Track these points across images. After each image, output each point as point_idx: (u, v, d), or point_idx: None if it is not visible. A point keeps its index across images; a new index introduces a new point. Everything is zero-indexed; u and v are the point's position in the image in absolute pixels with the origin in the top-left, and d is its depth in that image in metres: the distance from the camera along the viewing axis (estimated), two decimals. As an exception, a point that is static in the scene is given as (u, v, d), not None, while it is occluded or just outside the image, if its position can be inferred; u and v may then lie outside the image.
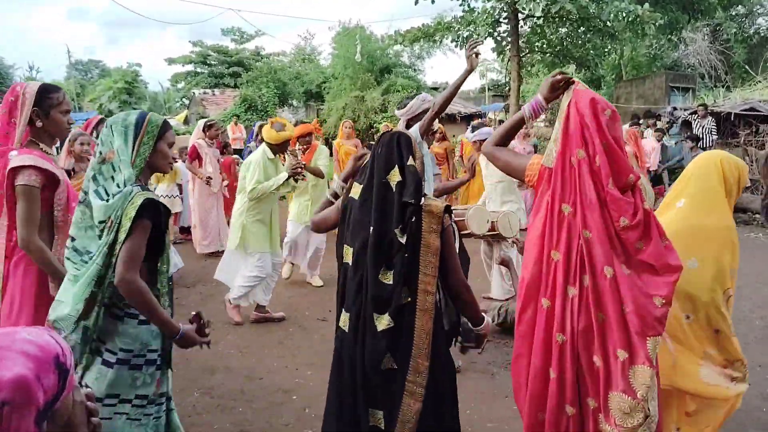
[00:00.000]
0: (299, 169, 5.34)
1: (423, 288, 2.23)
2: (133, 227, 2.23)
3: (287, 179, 5.27)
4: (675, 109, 15.24)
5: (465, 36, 14.79)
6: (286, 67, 29.73)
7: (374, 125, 19.86)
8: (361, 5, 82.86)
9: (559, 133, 2.29)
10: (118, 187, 2.31)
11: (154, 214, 2.29)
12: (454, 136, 17.54)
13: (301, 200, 6.74)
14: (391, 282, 2.21)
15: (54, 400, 1.17)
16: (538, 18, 14.57)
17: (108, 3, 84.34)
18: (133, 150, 2.37)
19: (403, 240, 2.20)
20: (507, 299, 5.33)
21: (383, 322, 2.21)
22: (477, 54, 3.82)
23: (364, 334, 2.26)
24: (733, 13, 23.04)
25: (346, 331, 2.33)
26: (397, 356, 2.21)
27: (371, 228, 2.24)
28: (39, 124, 2.78)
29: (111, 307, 2.33)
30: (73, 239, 2.37)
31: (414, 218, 2.23)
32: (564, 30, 15.75)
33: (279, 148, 5.41)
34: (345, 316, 2.35)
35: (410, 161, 2.28)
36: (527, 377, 2.35)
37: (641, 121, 14.00)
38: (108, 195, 2.31)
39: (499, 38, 15.41)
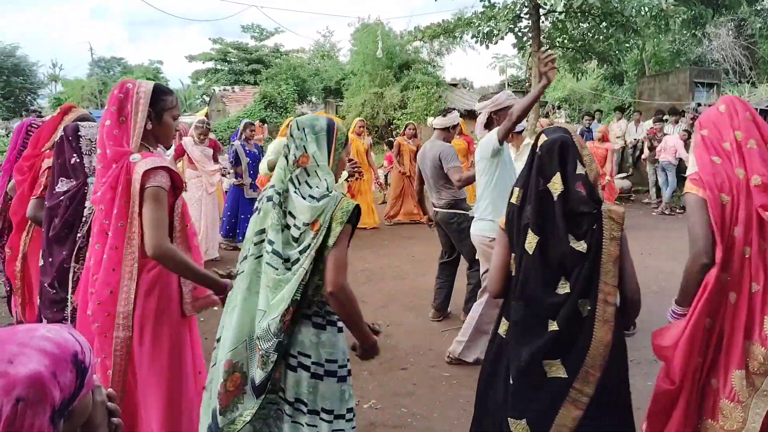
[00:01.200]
0: (358, 168, 4.97)
1: (603, 298, 2.16)
2: (341, 232, 2.19)
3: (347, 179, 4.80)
4: (699, 105, 15.01)
5: (486, 32, 14.69)
6: (306, 63, 29.83)
7: (393, 121, 19.83)
8: (380, 1, 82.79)
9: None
10: (319, 188, 2.26)
11: (356, 220, 2.28)
12: (472, 131, 17.46)
13: None
14: (567, 291, 2.16)
15: (71, 399, 1.16)
16: (560, 13, 14.41)
17: (130, 0, 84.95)
18: (329, 156, 2.34)
19: (583, 249, 2.15)
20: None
21: (551, 327, 2.18)
22: (553, 68, 3.65)
23: (522, 343, 2.23)
24: (758, 8, 22.62)
25: (504, 337, 2.31)
26: (566, 364, 2.16)
27: (538, 239, 2.19)
28: (149, 126, 2.59)
29: (313, 316, 2.27)
30: (271, 242, 2.25)
31: (595, 226, 2.17)
32: (586, 25, 15.56)
33: None
34: (505, 325, 2.32)
35: (580, 169, 2.20)
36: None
37: (665, 117, 13.81)
38: (306, 198, 2.25)
39: (519, 34, 15.27)
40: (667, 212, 11.76)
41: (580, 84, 23.76)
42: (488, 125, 4.15)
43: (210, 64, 35.24)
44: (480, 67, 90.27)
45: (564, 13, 14.41)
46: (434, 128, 5.41)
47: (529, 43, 15.23)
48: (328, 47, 33.13)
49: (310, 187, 2.26)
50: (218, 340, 2.38)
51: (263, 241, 2.29)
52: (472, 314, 4.52)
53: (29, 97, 38.93)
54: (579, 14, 14.58)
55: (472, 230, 4.44)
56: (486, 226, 4.24)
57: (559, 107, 26.60)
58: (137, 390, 2.59)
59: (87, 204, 2.92)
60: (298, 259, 2.19)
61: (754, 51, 22.44)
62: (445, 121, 5.30)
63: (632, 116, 15.09)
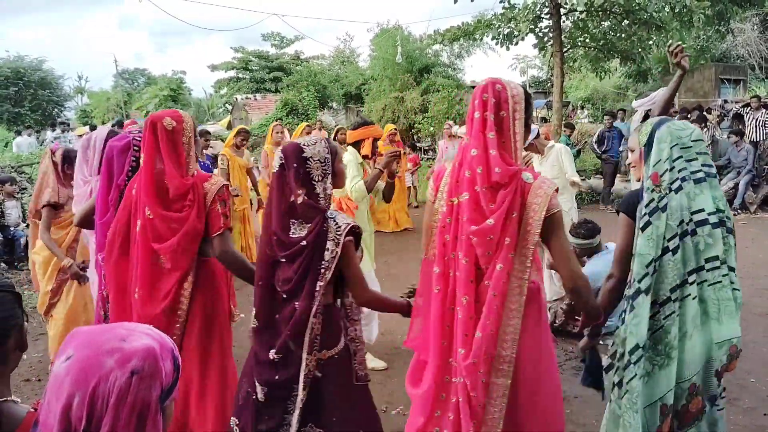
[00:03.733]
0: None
1: None
2: None
3: None
4: (726, 101, 14.76)
5: (506, 33, 14.60)
6: (326, 70, 29.95)
7: (414, 125, 19.81)
8: (399, 6, 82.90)
9: None
10: None
11: None
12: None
13: None
14: None
15: (168, 391, 1.18)
16: (581, 12, 14.28)
17: (156, 12, 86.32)
18: None
19: None
20: (555, 300, 5.23)
21: None
22: (685, 56, 3.66)
23: None
24: (785, 1, 22.23)
25: None
26: None
27: None
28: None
29: None
30: (731, 268, 2.39)
31: None
32: (607, 23, 15.39)
33: None
34: None
35: None
36: None
37: (689, 115, 13.61)
38: None
39: (540, 34, 15.17)
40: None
41: (603, 83, 23.48)
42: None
43: (232, 73, 35.55)
44: (501, 68, 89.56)
45: (585, 12, 14.27)
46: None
47: (550, 43, 15.11)
48: (348, 53, 33.24)
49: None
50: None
51: (717, 267, 2.35)
52: None
53: (56, 110, 39.66)
54: (600, 13, 14.43)
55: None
56: None
57: (582, 107, 26.32)
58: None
59: (329, 246, 2.37)
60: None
61: (781, 45, 22.01)
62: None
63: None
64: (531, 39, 15.23)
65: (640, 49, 16.17)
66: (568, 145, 10.93)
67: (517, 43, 14.85)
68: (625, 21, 14.70)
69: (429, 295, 2.37)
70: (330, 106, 27.76)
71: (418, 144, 18.46)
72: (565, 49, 15.27)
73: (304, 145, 2.45)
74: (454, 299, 2.29)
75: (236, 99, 30.97)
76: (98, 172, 3.68)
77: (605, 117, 13.73)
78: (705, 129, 12.40)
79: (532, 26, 14.61)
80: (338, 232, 2.38)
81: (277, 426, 2.40)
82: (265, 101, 28.77)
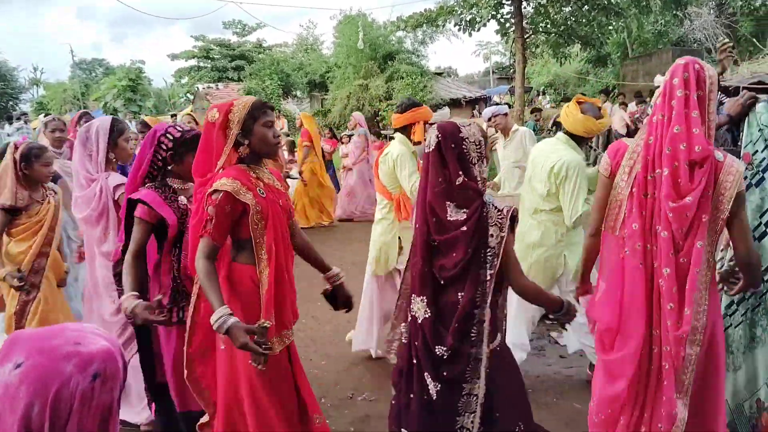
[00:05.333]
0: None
1: None
2: None
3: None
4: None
5: (468, 19, 14.68)
6: (289, 58, 29.68)
7: (379, 113, 19.79)
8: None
9: None
10: None
11: None
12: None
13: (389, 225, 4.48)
14: None
15: (120, 391, 1.16)
16: (542, -2, 14.44)
17: (114, 2, 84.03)
18: None
19: None
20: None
21: None
22: (728, 56, 3.68)
23: None
24: (739, -14, 22.75)
25: None
26: None
27: None
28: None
29: None
30: None
31: None
32: (568, 9, 15.59)
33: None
34: None
35: None
36: None
37: (648, 99, 13.86)
38: None
39: (502, 20, 15.28)
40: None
41: (564, 68, 23.77)
42: None
43: (193, 62, 34.96)
44: (464, 54, 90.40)
45: (546, -2, 14.42)
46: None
47: (512, 29, 15.23)
48: (312, 41, 32.97)
49: None
50: None
51: None
52: None
53: (11, 103, 38.55)
54: (560, -1, 14.61)
55: None
56: None
57: (543, 92, 26.60)
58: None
59: (492, 232, 2.23)
60: None
61: (736, 29, 22.53)
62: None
63: (617, 99, 15.13)
64: (493, 25, 15.38)
65: (599, 35, 16.41)
66: (534, 130, 11.07)
67: (479, 29, 14.96)
68: (585, 7, 14.90)
69: (616, 268, 2.44)
70: (294, 94, 27.54)
71: (383, 132, 18.47)
72: (526, 35, 15.41)
73: (461, 125, 2.32)
74: (653, 272, 2.36)
75: (198, 88, 30.51)
76: (105, 168, 3.34)
77: (563, 103, 13.92)
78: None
79: (494, 12, 14.72)
80: (500, 217, 2.23)
81: (451, 427, 2.26)
82: (227, 90, 28.37)
